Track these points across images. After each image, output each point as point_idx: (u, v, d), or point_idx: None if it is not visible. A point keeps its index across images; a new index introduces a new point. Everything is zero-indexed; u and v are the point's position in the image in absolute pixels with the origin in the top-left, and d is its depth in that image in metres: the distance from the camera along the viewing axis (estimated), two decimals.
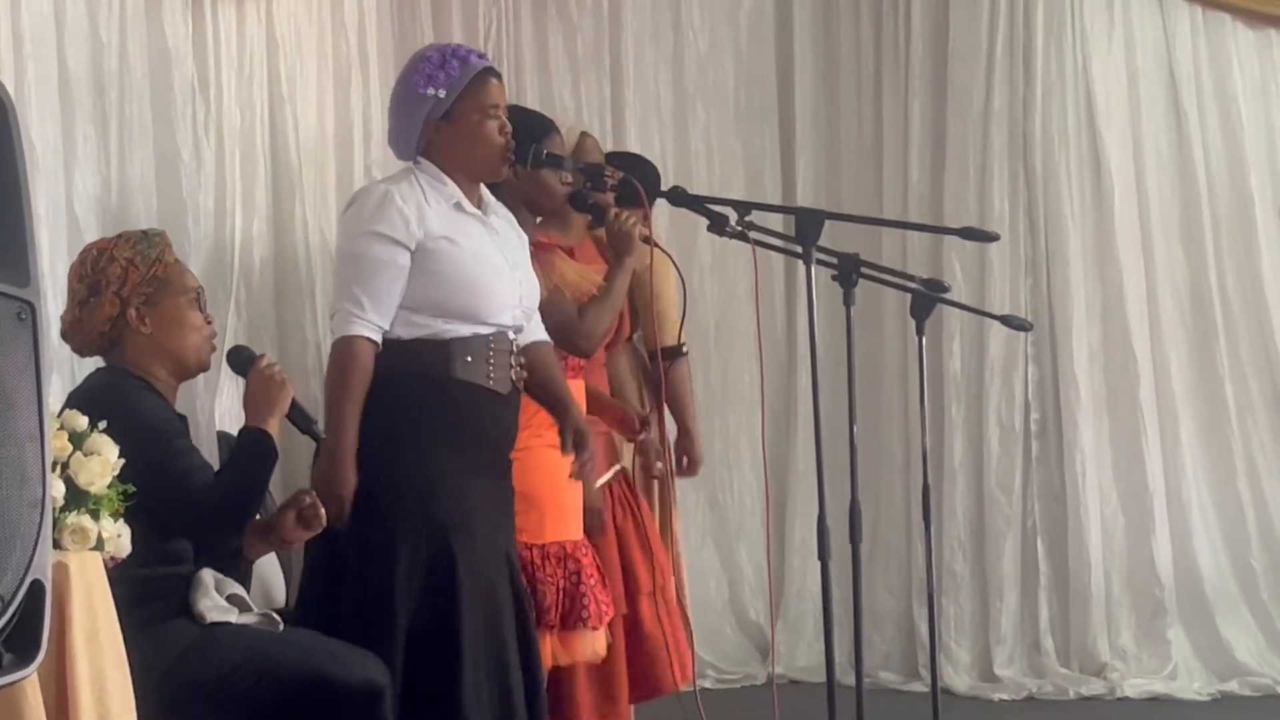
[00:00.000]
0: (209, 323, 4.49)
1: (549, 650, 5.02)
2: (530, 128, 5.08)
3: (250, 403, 4.35)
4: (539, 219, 5.35)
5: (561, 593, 5.06)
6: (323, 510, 4.34)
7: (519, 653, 4.66)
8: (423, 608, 4.55)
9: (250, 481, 4.28)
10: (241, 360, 4.45)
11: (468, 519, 4.60)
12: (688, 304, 7.60)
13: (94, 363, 5.17)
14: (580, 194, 5.29)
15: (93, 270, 4.38)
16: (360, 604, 4.54)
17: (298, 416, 4.43)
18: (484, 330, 4.61)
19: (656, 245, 5.23)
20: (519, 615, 4.70)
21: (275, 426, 4.33)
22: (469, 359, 4.59)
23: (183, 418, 4.42)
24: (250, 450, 4.29)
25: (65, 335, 4.46)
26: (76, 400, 4.20)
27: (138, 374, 4.37)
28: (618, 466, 5.60)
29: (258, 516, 4.47)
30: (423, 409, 4.57)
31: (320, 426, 4.48)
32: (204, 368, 4.53)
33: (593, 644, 5.16)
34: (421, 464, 4.56)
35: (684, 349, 5.95)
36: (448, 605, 4.55)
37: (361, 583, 4.55)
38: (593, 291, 5.21)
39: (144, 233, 4.51)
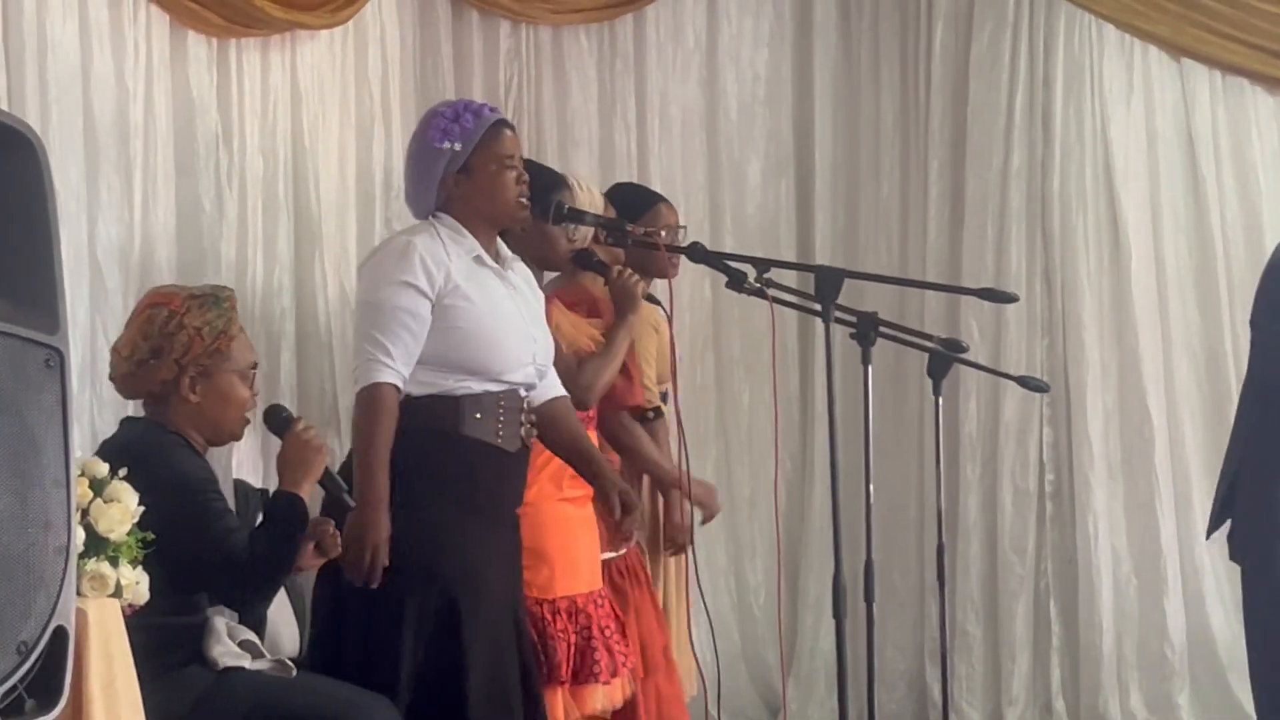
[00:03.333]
0: (254, 395, 4.53)
1: (560, 706, 5.01)
2: (543, 182, 5.09)
3: (285, 466, 4.36)
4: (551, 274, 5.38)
5: (572, 648, 5.06)
6: (340, 538, 4.34)
7: (524, 710, 4.66)
8: (428, 663, 4.55)
9: (283, 549, 4.29)
10: (279, 421, 4.46)
11: (474, 575, 4.62)
12: (709, 359, 7.69)
13: (113, 409, 5.21)
14: (585, 252, 5.30)
15: (159, 333, 4.43)
16: (366, 657, 4.55)
17: (330, 483, 4.43)
18: (495, 388, 4.62)
19: (658, 302, 5.27)
20: (524, 672, 4.70)
21: (308, 491, 4.34)
22: (478, 416, 4.61)
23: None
24: (284, 516, 4.30)
25: (113, 379, 4.49)
26: (111, 450, 4.22)
27: (174, 430, 4.40)
28: (630, 542, 5.59)
29: None
30: (432, 465, 4.59)
31: (348, 495, 4.46)
32: (235, 439, 4.58)
33: (605, 698, 5.15)
34: (429, 519, 4.58)
35: (650, 414, 5.89)
36: (453, 661, 4.56)
37: (367, 637, 4.56)
38: (588, 345, 5.21)
39: (215, 295, 4.55)
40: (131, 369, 4.43)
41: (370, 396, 4.54)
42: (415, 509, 4.56)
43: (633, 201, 5.89)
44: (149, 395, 4.43)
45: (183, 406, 4.42)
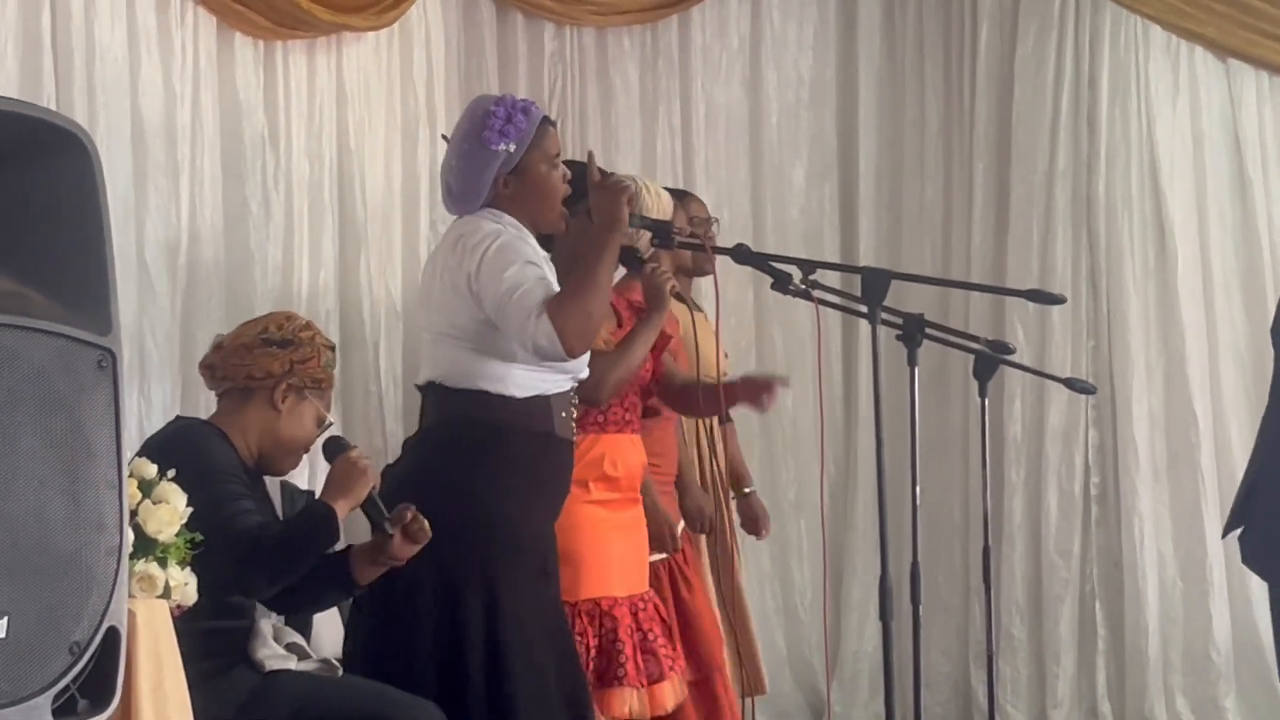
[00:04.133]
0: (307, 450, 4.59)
1: None
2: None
3: (329, 483, 4.36)
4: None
5: (595, 650, 5.05)
6: (427, 523, 4.34)
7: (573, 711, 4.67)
8: (534, 660, 4.56)
9: (298, 542, 4.28)
10: (335, 451, 4.47)
11: (556, 573, 4.67)
12: (753, 361, 7.67)
13: (161, 411, 5.23)
14: (627, 248, 5.27)
15: (295, 332, 4.49)
16: (491, 664, 4.55)
17: (372, 509, 4.40)
18: (567, 387, 4.63)
19: (686, 301, 5.22)
20: (574, 672, 4.72)
21: (344, 509, 4.33)
22: (564, 414, 4.61)
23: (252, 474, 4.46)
24: (312, 517, 4.31)
25: (220, 349, 4.52)
26: (154, 444, 4.25)
27: (225, 431, 4.41)
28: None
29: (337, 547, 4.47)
30: (533, 465, 4.59)
31: (389, 523, 4.44)
32: (281, 473, 4.64)
33: (637, 701, 5.13)
34: (526, 518, 4.59)
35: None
36: (566, 664, 4.61)
37: (489, 636, 4.53)
38: (599, 344, 5.19)
39: (333, 347, 4.63)
40: (254, 344, 4.46)
41: (545, 307, 4.41)
42: (515, 509, 4.55)
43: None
44: (245, 380, 4.44)
45: (260, 411, 4.45)
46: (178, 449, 4.14)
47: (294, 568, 4.31)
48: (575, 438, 4.72)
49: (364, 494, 4.35)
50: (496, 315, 4.49)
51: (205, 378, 4.57)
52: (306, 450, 4.58)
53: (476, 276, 4.51)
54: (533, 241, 4.63)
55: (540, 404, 4.57)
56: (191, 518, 3.84)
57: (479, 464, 4.55)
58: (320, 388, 4.51)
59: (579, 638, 4.99)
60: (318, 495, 4.43)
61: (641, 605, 5.18)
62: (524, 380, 4.55)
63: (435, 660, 4.52)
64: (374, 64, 6.43)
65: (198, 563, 3.88)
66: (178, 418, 4.57)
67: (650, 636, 5.14)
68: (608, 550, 5.14)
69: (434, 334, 4.67)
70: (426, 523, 4.32)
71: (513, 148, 4.61)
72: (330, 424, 4.58)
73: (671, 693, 5.20)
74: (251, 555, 4.22)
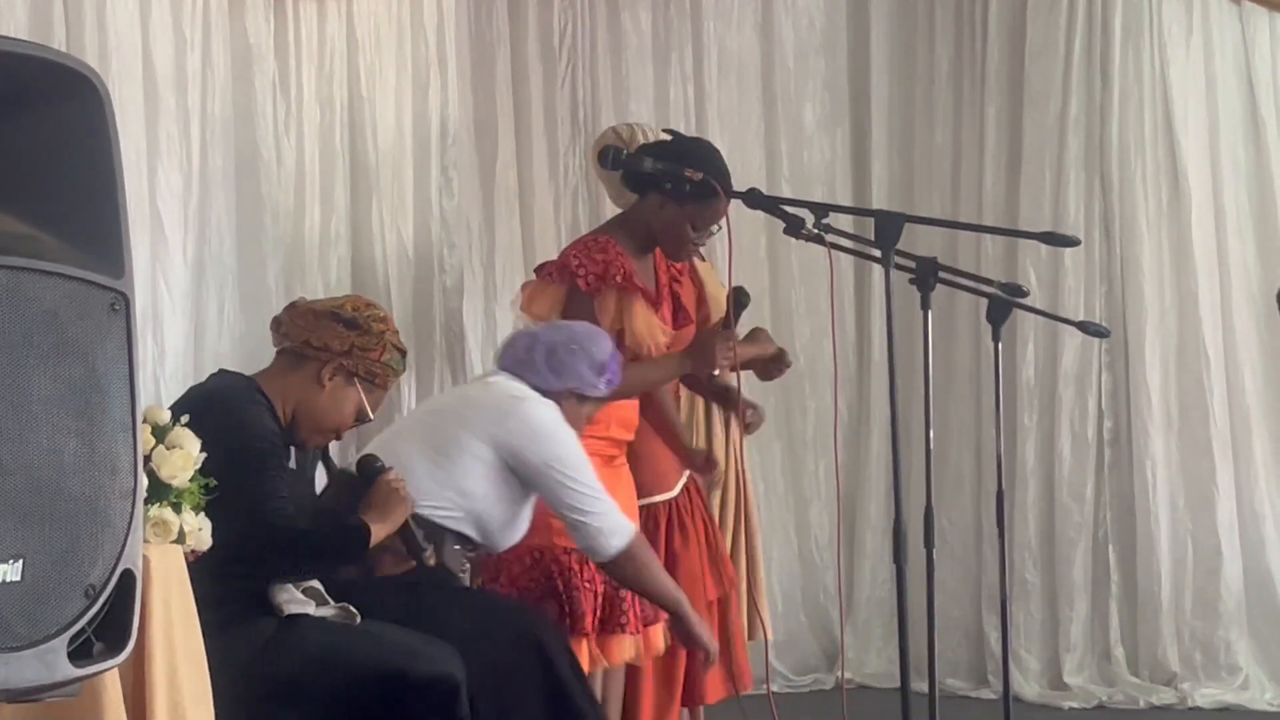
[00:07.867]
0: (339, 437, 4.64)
1: (585, 655, 5.02)
2: (687, 158, 5.12)
3: (371, 504, 4.42)
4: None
5: (600, 598, 5.07)
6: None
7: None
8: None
9: (326, 552, 4.39)
10: (372, 471, 4.50)
11: None
12: (765, 307, 7.66)
13: (175, 358, 5.23)
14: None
15: (366, 321, 4.52)
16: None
17: (410, 539, 4.50)
18: None
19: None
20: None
21: (380, 533, 4.38)
22: None
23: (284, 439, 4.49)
24: (346, 531, 4.37)
25: (293, 307, 4.59)
26: (198, 395, 4.30)
27: (266, 393, 4.42)
28: (686, 476, 5.58)
29: None
30: None
31: (427, 556, 4.54)
32: (303, 446, 4.62)
33: (634, 648, 5.17)
34: None
35: None
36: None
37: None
38: (649, 351, 5.20)
39: (404, 353, 4.67)
40: (324, 314, 4.50)
41: (637, 543, 4.82)
42: None
43: None
44: (302, 345, 4.47)
45: (305, 381, 4.47)
46: (225, 405, 4.16)
47: (314, 571, 4.38)
48: None
49: (402, 519, 4.42)
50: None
51: (272, 331, 4.59)
52: (339, 436, 4.60)
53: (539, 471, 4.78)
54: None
55: None
56: (228, 483, 3.84)
57: None
58: (373, 381, 4.52)
59: (587, 585, 5.03)
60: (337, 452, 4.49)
61: None
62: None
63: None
64: (384, 10, 6.42)
65: (214, 515, 3.89)
66: (222, 371, 4.58)
67: None
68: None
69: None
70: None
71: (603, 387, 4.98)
72: (369, 420, 4.60)
73: (663, 635, 5.23)
74: (279, 547, 4.27)
